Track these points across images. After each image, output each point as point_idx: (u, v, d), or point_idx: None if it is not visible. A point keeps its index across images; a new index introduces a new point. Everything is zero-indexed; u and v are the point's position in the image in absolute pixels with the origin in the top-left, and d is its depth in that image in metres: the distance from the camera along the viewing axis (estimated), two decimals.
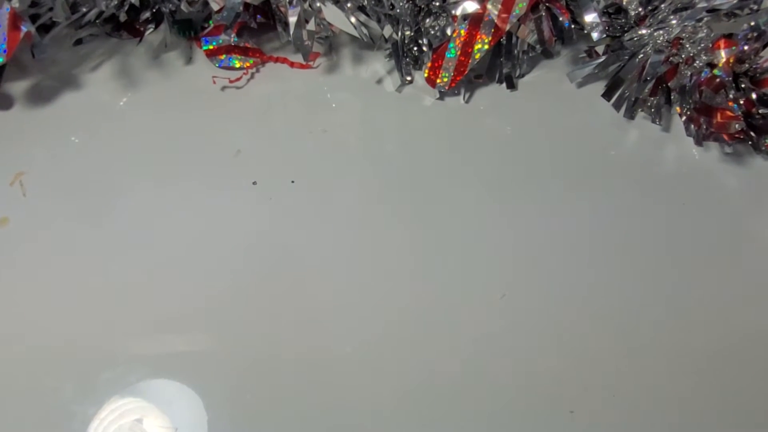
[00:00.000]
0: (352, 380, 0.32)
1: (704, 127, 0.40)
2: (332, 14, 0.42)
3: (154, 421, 0.30)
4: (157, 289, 0.34)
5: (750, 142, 0.40)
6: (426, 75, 0.43)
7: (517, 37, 0.43)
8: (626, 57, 0.43)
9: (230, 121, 0.42)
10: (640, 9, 0.42)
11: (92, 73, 0.45)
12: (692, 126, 0.41)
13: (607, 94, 0.43)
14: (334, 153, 0.41)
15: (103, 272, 0.35)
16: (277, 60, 0.46)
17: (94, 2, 0.43)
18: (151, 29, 0.45)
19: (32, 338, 0.33)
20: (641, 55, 0.42)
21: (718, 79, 0.38)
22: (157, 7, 0.44)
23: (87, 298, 0.34)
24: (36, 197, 0.38)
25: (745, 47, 0.38)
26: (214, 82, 0.44)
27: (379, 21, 0.43)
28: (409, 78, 0.44)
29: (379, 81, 0.45)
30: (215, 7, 0.42)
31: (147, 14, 0.45)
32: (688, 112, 0.41)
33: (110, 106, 0.43)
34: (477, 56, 0.42)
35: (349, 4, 0.42)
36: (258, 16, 0.45)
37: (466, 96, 0.44)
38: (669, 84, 0.41)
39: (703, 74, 0.39)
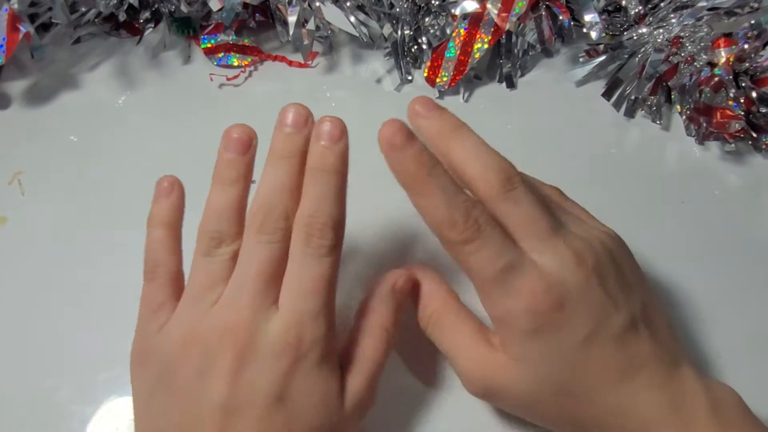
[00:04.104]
0: None
1: (704, 126, 0.40)
2: (331, 13, 0.42)
3: None
4: None
5: (750, 141, 0.40)
6: (426, 74, 0.43)
7: (517, 37, 0.43)
8: (626, 56, 0.43)
9: (229, 120, 0.42)
10: (639, 7, 0.42)
11: (91, 72, 0.45)
12: (692, 125, 0.41)
13: (607, 94, 0.43)
14: None
15: (102, 271, 0.35)
16: (275, 59, 0.45)
17: (94, 2, 0.43)
18: (151, 29, 0.45)
19: (31, 338, 0.33)
20: (641, 54, 0.42)
21: (717, 78, 0.38)
22: (156, 6, 0.44)
23: (86, 298, 0.34)
24: (34, 196, 0.38)
25: (745, 46, 0.38)
26: (211, 80, 0.44)
27: (378, 20, 0.43)
28: (408, 77, 0.44)
29: (379, 80, 0.45)
30: (215, 7, 0.42)
31: (146, 14, 0.45)
32: (689, 111, 0.40)
33: (109, 105, 0.43)
34: (477, 55, 0.42)
35: (348, 4, 0.42)
36: (257, 15, 0.45)
37: (466, 95, 0.44)
38: (669, 83, 0.41)
39: (703, 73, 0.39)
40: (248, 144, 0.29)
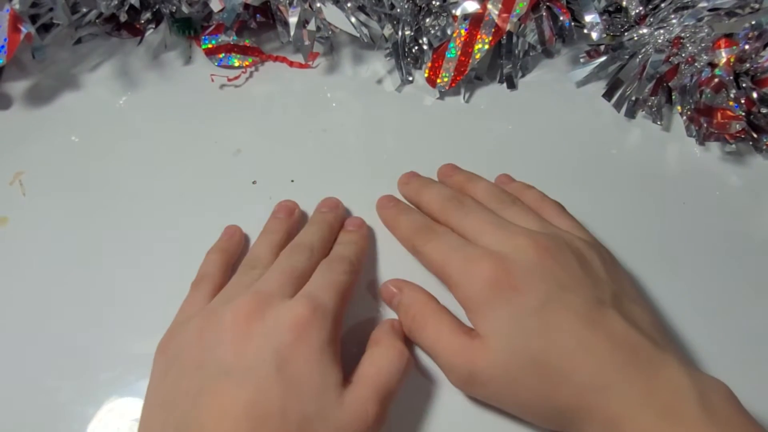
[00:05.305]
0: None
1: (705, 126, 0.40)
2: (332, 14, 0.42)
3: None
4: (157, 288, 0.34)
5: (751, 142, 0.40)
6: (426, 75, 0.43)
7: (518, 37, 0.43)
8: (627, 57, 0.43)
9: (230, 121, 0.42)
10: (640, 8, 0.42)
11: (92, 72, 0.45)
12: (693, 126, 0.41)
13: (607, 94, 0.43)
14: (334, 152, 0.40)
15: (102, 272, 0.35)
16: (276, 59, 0.45)
17: (95, 3, 0.43)
18: (152, 29, 0.45)
19: (32, 338, 0.33)
20: (642, 55, 0.42)
21: (718, 79, 0.38)
22: (157, 7, 0.44)
23: (86, 298, 0.34)
24: (35, 197, 0.38)
25: (746, 46, 0.38)
26: (212, 80, 0.44)
27: (379, 21, 0.43)
28: (409, 78, 0.44)
29: (380, 81, 0.45)
30: (216, 7, 0.42)
31: (147, 14, 0.45)
32: (689, 112, 0.40)
33: (110, 105, 0.43)
34: (477, 56, 0.42)
35: (349, 4, 0.42)
36: (258, 15, 0.45)
37: (467, 96, 0.44)
38: (670, 84, 0.41)
39: (703, 74, 0.39)
40: (293, 212, 0.36)
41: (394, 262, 0.35)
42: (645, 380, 0.26)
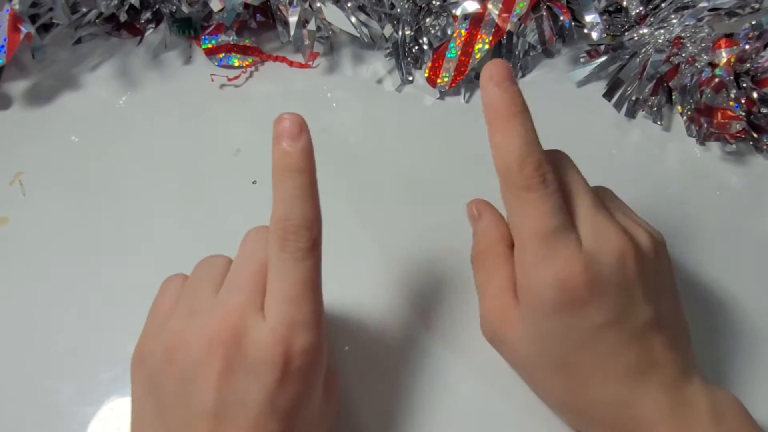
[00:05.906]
0: (350, 377, 0.32)
1: (705, 126, 0.40)
2: (332, 14, 0.42)
3: None
4: (157, 288, 0.34)
5: (751, 142, 0.40)
6: (426, 75, 0.43)
7: (518, 37, 0.43)
8: (627, 57, 0.43)
9: (230, 121, 0.42)
10: (640, 8, 0.42)
11: (92, 72, 0.45)
12: (693, 126, 0.41)
13: (607, 94, 0.43)
14: (333, 152, 0.40)
15: (102, 272, 0.35)
16: (276, 59, 0.45)
17: (95, 3, 0.43)
18: (152, 29, 0.45)
19: (32, 338, 0.33)
20: (642, 55, 0.42)
21: (718, 79, 0.38)
22: (157, 7, 0.44)
23: (86, 298, 0.34)
24: (36, 197, 0.38)
25: (746, 46, 0.38)
26: (212, 80, 0.44)
27: (379, 20, 0.43)
28: (409, 77, 0.44)
29: (380, 81, 0.45)
30: (216, 7, 0.42)
31: (147, 14, 0.45)
32: (689, 112, 0.40)
33: (110, 105, 0.43)
34: (477, 56, 0.42)
35: (349, 4, 0.42)
36: (258, 15, 0.45)
37: (467, 96, 0.44)
38: (670, 84, 0.41)
39: (704, 74, 0.39)
40: None
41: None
42: (668, 399, 0.26)
